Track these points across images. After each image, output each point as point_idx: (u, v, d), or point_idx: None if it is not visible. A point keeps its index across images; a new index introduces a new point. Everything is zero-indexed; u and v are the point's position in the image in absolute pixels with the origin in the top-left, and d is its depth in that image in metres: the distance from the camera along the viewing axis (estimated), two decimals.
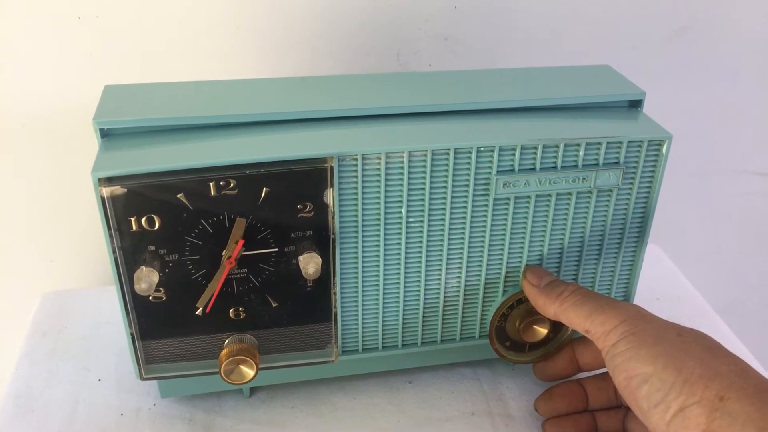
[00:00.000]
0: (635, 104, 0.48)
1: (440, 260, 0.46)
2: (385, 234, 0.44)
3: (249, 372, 0.44)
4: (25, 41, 0.59)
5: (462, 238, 0.45)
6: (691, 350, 0.36)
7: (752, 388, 0.33)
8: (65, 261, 0.71)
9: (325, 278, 0.44)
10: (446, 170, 0.42)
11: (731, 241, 0.85)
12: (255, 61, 0.64)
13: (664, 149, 0.45)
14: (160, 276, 0.41)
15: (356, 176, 0.41)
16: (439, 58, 0.68)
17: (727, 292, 0.89)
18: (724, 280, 0.88)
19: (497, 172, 0.43)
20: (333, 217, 0.42)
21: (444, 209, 0.44)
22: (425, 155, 0.42)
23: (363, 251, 0.44)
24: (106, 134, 0.41)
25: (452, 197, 0.43)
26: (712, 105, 0.77)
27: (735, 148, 0.80)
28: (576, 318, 0.42)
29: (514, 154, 0.43)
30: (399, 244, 0.45)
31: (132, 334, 0.43)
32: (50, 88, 0.61)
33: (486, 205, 0.44)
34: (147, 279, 0.40)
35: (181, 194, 0.39)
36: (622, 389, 0.38)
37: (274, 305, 0.44)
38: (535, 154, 0.43)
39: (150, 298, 0.42)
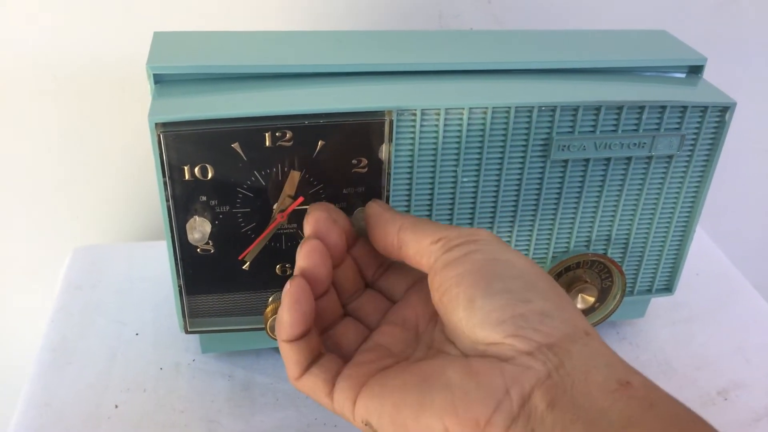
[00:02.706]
0: (695, 70, 0.46)
1: (491, 222, 0.45)
2: (438, 194, 0.43)
3: None
4: None
5: (515, 200, 0.44)
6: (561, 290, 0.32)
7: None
8: (93, 217, 0.70)
9: None
10: (505, 129, 0.41)
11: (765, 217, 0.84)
12: (294, 19, 0.62)
13: (727, 116, 0.43)
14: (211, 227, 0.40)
15: (413, 132, 0.40)
16: (481, 22, 0.66)
17: (760, 269, 0.88)
18: (763, 256, 0.87)
19: (557, 133, 0.42)
20: (388, 174, 0.41)
21: (499, 170, 0.43)
22: (485, 112, 0.40)
23: (414, 211, 0.43)
24: (159, 80, 0.40)
25: (509, 157, 0.42)
26: (752, 80, 0.75)
27: None
28: (424, 233, 0.33)
29: (575, 115, 0.41)
30: (451, 205, 0.44)
31: (179, 287, 0.42)
32: (82, 41, 0.60)
33: (543, 167, 0.43)
34: (200, 228, 0.39)
35: (236, 144, 0.38)
36: (467, 266, 0.30)
37: None
38: (597, 115, 0.42)
39: (198, 250, 0.41)
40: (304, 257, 0.34)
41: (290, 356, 0.32)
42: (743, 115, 0.76)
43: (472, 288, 0.30)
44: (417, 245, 0.33)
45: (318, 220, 0.35)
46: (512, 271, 0.30)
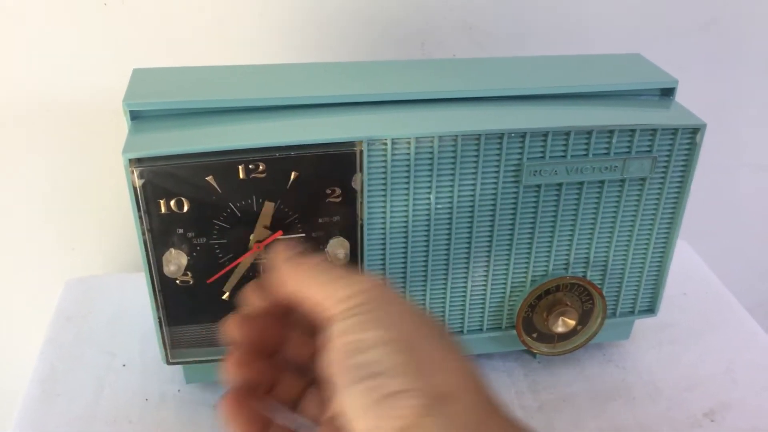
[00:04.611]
0: (667, 93, 0.47)
1: (467, 248, 0.45)
2: (413, 221, 0.44)
3: None
4: (51, 27, 0.59)
5: (490, 226, 0.45)
6: (432, 335, 0.30)
7: (481, 397, 0.28)
8: (87, 249, 0.71)
9: (351, 265, 0.44)
10: (476, 156, 0.42)
11: (760, 237, 0.84)
12: (277, 49, 0.63)
13: (698, 138, 0.44)
14: (188, 259, 0.41)
15: (385, 161, 0.41)
16: (464, 49, 0.67)
17: (755, 289, 0.87)
18: (753, 276, 0.87)
19: (528, 158, 0.42)
20: (362, 203, 0.42)
21: (473, 196, 0.43)
22: (455, 140, 0.41)
23: (390, 239, 0.44)
24: (135, 116, 0.41)
25: (481, 184, 0.43)
26: (739, 98, 0.76)
27: (764, 142, 0.78)
28: (315, 286, 0.32)
29: (545, 141, 0.42)
30: (426, 232, 0.44)
31: (159, 318, 0.43)
32: (74, 74, 0.61)
33: (516, 192, 0.44)
34: (176, 261, 0.40)
35: (211, 177, 0.39)
36: (334, 354, 0.30)
37: None
38: (567, 140, 0.42)
39: (177, 281, 0.42)
40: (232, 374, 0.33)
41: None
42: (733, 133, 0.76)
43: (337, 377, 0.29)
44: (309, 305, 0.32)
45: (235, 327, 0.33)
46: (376, 350, 0.29)
